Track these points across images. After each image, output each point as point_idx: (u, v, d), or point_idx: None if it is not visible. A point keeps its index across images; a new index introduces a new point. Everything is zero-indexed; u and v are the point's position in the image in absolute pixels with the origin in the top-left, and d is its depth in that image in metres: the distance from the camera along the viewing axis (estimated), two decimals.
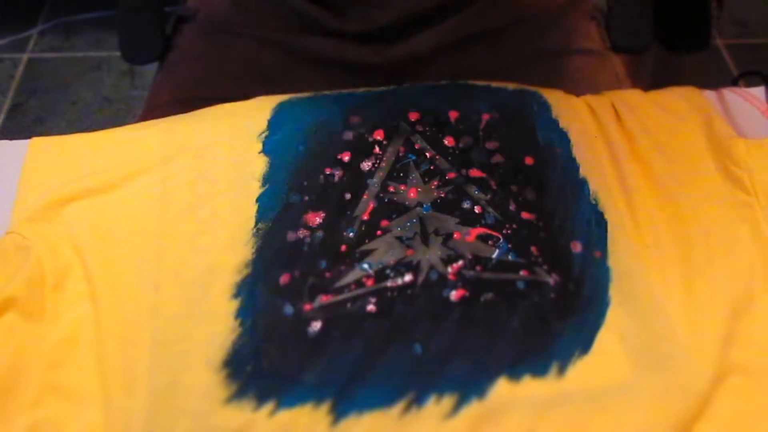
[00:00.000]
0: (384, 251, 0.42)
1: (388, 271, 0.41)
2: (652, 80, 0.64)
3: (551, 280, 0.41)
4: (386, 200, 0.45)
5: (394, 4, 0.57)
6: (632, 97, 0.51)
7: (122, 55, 0.64)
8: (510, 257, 0.42)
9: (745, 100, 0.53)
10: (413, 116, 0.49)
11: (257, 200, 0.45)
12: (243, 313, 0.40)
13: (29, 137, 0.48)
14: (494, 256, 0.42)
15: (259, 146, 0.47)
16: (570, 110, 0.50)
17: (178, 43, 0.64)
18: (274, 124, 0.49)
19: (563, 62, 0.61)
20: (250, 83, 0.57)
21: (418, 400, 0.37)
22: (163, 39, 0.64)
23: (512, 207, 0.45)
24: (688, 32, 0.63)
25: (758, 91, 0.54)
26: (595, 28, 0.64)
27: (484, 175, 0.46)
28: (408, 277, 0.41)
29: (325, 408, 0.37)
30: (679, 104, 0.51)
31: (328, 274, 0.41)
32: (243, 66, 0.61)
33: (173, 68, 0.64)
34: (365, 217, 0.44)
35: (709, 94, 0.53)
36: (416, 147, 0.48)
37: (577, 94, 0.52)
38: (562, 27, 0.62)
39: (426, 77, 0.53)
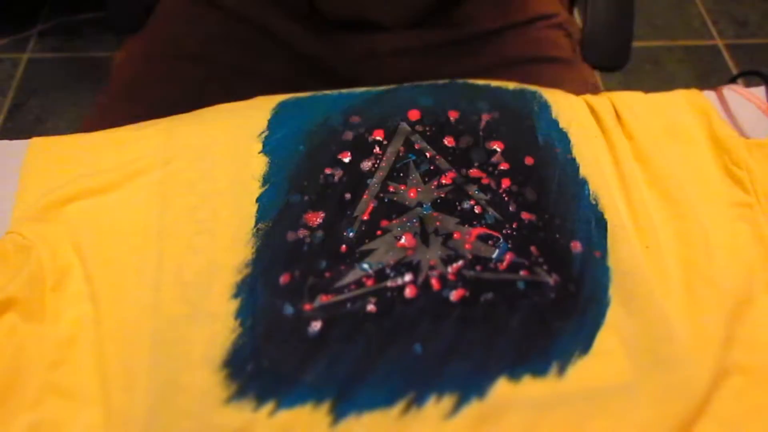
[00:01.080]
0: (384, 251, 0.42)
1: (388, 271, 0.41)
2: None
3: (551, 280, 0.41)
4: (386, 200, 0.45)
5: (365, 15, 0.58)
6: (632, 97, 0.51)
7: (107, 21, 0.66)
8: (510, 257, 0.42)
9: (745, 98, 0.52)
10: (413, 116, 0.49)
11: (257, 200, 0.45)
12: (243, 313, 0.40)
13: (29, 137, 0.48)
14: (494, 256, 0.42)
15: (259, 146, 0.47)
16: (570, 110, 0.50)
17: (159, 8, 0.66)
18: (274, 124, 0.49)
19: (531, 70, 0.61)
20: (225, 48, 0.58)
21: (418, 400, 0.37)
22: (145, 8, 0.66)
23: (512, 207, 0.45)
24: (608, 51, 0.65)
25: (758, 90, 0.54)
26: (564, 37, 0.64)
27: (484, 175, 0.46)
28: (408, 277, 0.41)
29: (325, 408, 0.37)
30: (680, 104, 0.51)
31: (328, 274, 0.41)
32: (218, 33, 0.62)
33: (149, 27, 0.65)
34: (365, 217, 0.44)
35: (708, 94, 0.53)
36: (416, 147, 0.48)
37: None
38: (530, 37, 0.63)
39: (383, 79, 0.53)
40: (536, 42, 0.62)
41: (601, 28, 0.64)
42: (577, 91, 0.52)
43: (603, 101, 0.51)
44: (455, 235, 0.43)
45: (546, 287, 0.41)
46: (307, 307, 0.40)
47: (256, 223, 0.44)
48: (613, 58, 0.64)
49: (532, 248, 0.43)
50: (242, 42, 0.61)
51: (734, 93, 0.53)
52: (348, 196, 0.45)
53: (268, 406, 0.37)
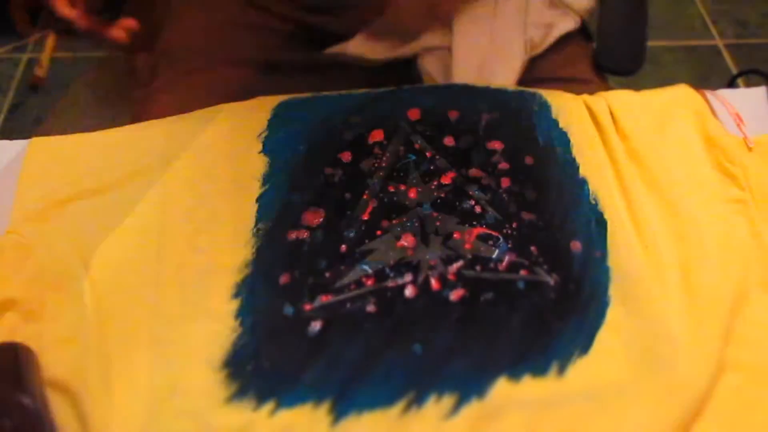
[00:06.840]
0: (384, 251, 0.42)
1: (387, 271, 0.41)
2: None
3: (551, 280, 0.41)
4: (386, 200, 0.45)
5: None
6: (626, 97, 0.51)
7: None
8: (510, 257, 0.42)
9: (721, 103, 0.52)
10: (413, 116, 0.49)
11: (257, 200, 0.45)
12: (243, 313, 0.40)
13: (29, 137, 0.48)
14: (494, 256, 0.42)
15: (259, 146, 0.47)
16: (570, 110, 0.50)
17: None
18: (274, 124, 0.49)
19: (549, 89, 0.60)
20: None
21: (418, 400, 0.37)
22: None
23: (512, 207, 0.45)
24: (622, 56, 0.63)
25: (758, 90, 0.54)
26: (584, 56, 0.62)
27: (484, 174, 0.46)
28: (408, 277, 0.41)
29: (325, 408, 0.37)
30: (673, 103, 0.51)
31: (328, 274, 0.41)
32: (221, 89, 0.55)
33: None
34: (365, 217, 0.44)
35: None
36: (416, 147, 0.48)
37: None
38: (552, 56, 0.60)
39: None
40: (555, 62, 0.61)
41: (615, 33, 0.63)
42: None
43: (599, 101, 0.51)
44: (455, 235, 0.43)
45: (546, 287, 0.41)
46: (307, 307, 0.40)
47: (256, 223, 0.44)
48: (628, 63, 0.63)
49: (532, 248, 0.43)
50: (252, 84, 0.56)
51: (713, 96, 0.53)
52: (348, 196, 0.45)
53: (269, 406, 0.37)
